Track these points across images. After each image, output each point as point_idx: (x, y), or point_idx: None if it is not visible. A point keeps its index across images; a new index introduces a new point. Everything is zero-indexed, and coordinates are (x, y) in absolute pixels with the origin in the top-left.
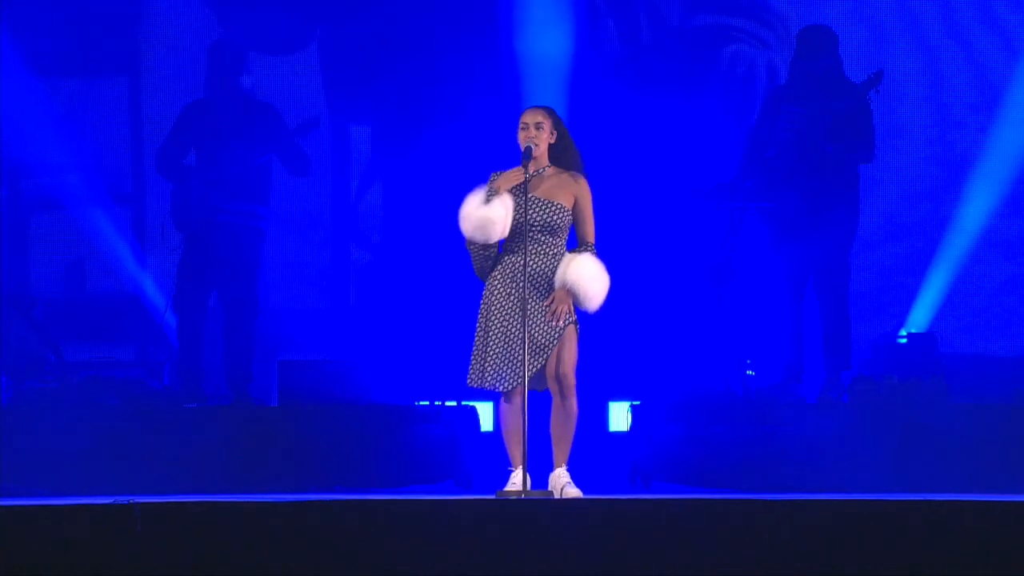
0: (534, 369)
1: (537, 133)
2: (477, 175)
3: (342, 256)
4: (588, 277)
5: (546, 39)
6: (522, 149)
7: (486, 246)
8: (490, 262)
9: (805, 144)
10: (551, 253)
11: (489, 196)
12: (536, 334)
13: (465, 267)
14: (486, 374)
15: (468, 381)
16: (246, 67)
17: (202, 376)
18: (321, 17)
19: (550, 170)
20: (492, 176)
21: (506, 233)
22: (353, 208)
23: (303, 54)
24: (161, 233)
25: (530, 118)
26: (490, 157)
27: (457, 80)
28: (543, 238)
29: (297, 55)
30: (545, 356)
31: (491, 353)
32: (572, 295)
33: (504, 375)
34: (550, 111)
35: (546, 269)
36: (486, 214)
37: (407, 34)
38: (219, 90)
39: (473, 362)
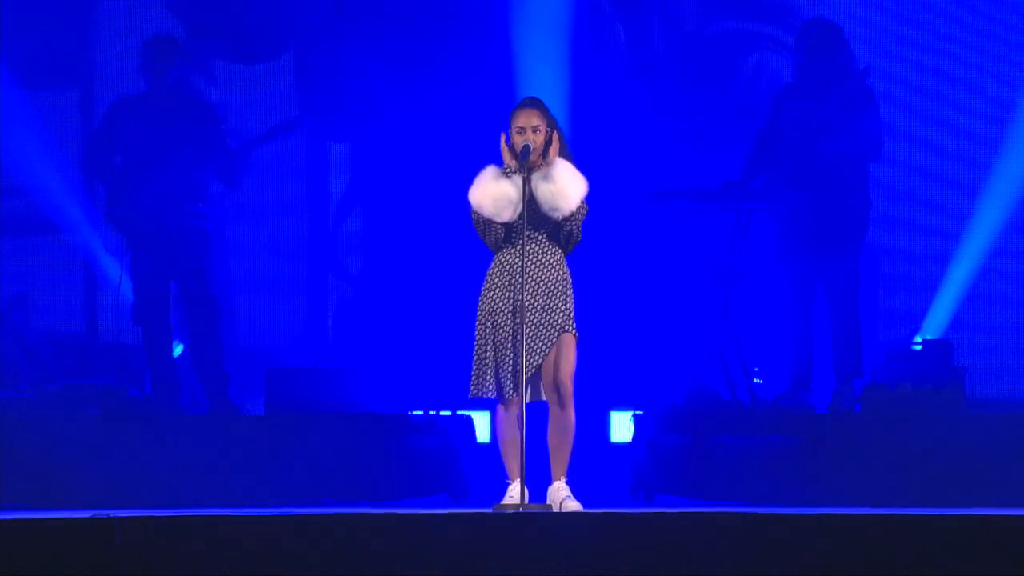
0: (531, 371)
1: (535, 136)
2: (467, 189)
3: (325, 269)
4: (565, 167)
5: (547, 47)
6: (518, 149)
7: (490, 222)
8: (501, 236)
9: (810, 142)
10: (545, 251)
11: (506, 174)
12: (531, 335)
13: (461, 272)
14: (489, 384)
15: (471, 393)
16: (180, 63)
17: (179, 385)
18: (297, 24)
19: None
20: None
21: (513, 218)
22: (333, 231)
23: (279, 63)
24: (101, 240)
25: (526, 122)
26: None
27: (448, 91)
28: (538, 235)
29: (270, 64)
30: (541, 356)
31: (493, 362)
32: (555, 175)
33: (508, 384)
34: (544, 111)
35: (542, 268)
36: (506, 190)
37: (392, 44)
38: (151, 86)
39: (475, 372)
